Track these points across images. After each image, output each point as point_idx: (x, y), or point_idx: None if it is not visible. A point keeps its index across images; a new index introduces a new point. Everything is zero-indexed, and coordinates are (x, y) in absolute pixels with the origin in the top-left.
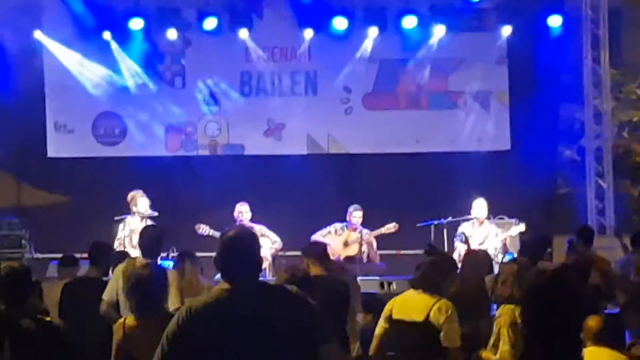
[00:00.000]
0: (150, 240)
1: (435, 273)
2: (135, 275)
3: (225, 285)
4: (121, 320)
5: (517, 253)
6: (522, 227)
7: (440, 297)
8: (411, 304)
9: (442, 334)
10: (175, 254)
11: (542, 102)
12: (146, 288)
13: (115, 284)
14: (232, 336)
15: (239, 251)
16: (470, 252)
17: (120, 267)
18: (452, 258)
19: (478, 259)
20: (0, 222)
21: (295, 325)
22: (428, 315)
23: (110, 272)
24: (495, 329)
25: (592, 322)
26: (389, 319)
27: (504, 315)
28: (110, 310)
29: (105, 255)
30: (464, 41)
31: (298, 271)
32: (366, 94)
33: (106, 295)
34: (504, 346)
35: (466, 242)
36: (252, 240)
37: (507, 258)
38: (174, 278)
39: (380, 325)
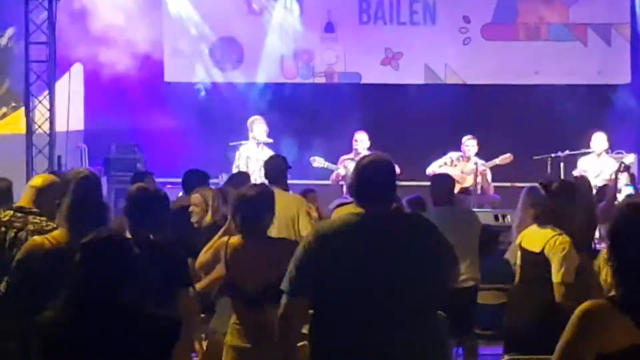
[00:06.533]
0: (275, 169)
1: (553, 205)
2: (240, 194)
3: (358, 210)
4: (224, 238)
5: None
6: (631, 157)
7: (561, 232)
8: (534, 235)
9: (553, 268)
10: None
11: None
12: (252, 207)
13: None
14: (361, 261)
15: (375, 177)
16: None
17: None
18: (570, 184)
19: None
20: (115, 146)
21: (425, 253)
22: (543, 248)
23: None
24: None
25: None
26: (519, 246)
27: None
28: None
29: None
30: None
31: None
32: (485, 24)
33: None
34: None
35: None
36: (387, 167)
37: (629, 190)
38: None
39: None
